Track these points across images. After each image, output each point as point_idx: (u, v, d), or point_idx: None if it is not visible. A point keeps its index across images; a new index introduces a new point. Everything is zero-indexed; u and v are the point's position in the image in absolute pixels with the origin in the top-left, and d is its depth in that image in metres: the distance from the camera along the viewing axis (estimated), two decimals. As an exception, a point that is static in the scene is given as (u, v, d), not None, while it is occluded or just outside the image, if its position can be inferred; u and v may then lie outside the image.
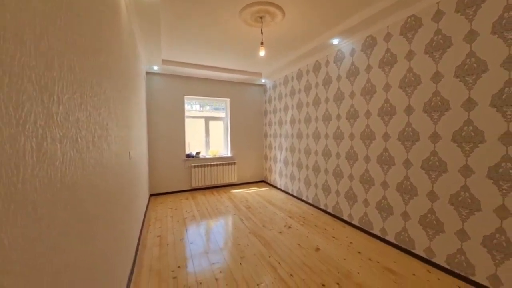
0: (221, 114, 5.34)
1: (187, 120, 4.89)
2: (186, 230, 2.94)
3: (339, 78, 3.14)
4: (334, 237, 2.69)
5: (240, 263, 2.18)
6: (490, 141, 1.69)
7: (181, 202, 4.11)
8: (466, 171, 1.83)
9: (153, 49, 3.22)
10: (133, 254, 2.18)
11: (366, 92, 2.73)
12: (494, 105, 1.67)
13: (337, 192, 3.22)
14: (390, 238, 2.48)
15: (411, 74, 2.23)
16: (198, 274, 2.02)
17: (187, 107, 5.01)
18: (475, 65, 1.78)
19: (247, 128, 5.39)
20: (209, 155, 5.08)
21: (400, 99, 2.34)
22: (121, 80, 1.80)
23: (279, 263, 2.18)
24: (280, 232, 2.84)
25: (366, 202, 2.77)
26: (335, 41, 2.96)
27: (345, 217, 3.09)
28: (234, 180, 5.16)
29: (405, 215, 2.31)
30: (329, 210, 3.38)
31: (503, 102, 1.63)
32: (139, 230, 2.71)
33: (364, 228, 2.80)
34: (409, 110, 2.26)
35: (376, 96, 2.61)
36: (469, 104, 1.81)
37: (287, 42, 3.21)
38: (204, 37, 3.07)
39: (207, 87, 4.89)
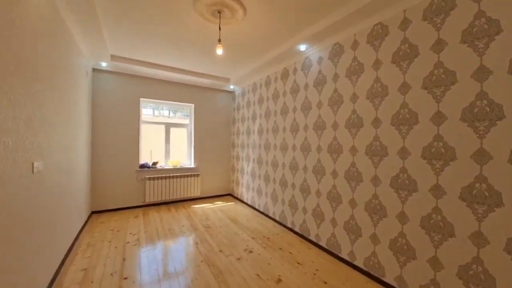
0: (186, 121, 4.87)
1: (145, 126, 4.34)
2: (124, 259, 2.39)
3: (306, 86, 2.95)
4: (299, 263, 2.38)
5: (182, 307, 1.74)
6: (462, 159, 1.55)
7: (128, 221, 3.49)
8: (437, 191, 1.67)
9: (95, 41, 2.72)
10: (33, 302, 1.61)
11: (334, 102, 2.55)
12: (465, 120, 1.53)
13: (304, 209, 2.95)
14: (359, 263, 2.23)
15: (378, 84, 2.09)
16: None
17: (155, 112, 4.47)
18: (443, 76, 1.65)
19: (214, 137, 4.99)
20: (168, 165, 4.54)
21: (367, 111, 2.18)
22: (15, 67, 1.32)
23: (231, 303, 1.78)
24: (239, 259, 2.44)
25: (333, 222, 2.52)
26: (302, 48, 2.78)
27: (312, 238, 2.81)
28: (197, 193, 4.66)
29: (374, 238, 2.09)
30: (296, 229, 3.08)
31: (475, 116, 1.49)
32: (59, 263, 2.11)
33: (331, 250, 2.54)
34: (376, 122, 2.09)
35: (343, 107, 2.43)
36: (438, 118, 1.67)
37: (252, 45, 2.95)
38: (156, 32, 2.67)
39: (168, 90, 4.42)
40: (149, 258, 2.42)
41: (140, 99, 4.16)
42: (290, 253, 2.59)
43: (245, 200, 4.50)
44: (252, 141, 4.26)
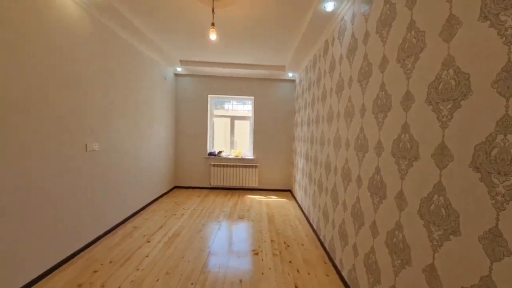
0: (249, 114, 5.06)
1: (213, 119, 4.98)
2: (161, 227, 2.93)
3: (341, 59, 2.18)
4: (296, 287, 1.88)
5: (157, 280, 1.90)
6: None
7: (190, 198, 4.19)
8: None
9: (157, 50, 3.41)
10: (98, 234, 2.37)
11: (363, 75, 1.72)
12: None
13: (333, 223, 2.26)
14: (372, 321, 1.45)
15: (412, 33, 1.18)
16: (105, 278, 1.92)
17: (223, 106, 5.07)
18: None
19: (273, 130, 4.83)
20: (231, 155, 4.94)
21: (398, 83, 1.30)
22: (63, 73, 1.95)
23: (190, 297, 1.74)
24: (238, 257, 2.29)
25: (355, 249, 1.76)
26: (330, 6, 2.06)
27: (337, 262, 2.11)
28: (254, 184, 4.77)
29: (392, 293, 1.26)
30: (326, 245, 2.44)
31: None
32: (122, 219, 2.94)
33: (349, 285, 1.81)
34: (407, 100, 1.21)
35: (372, 81, 1.59)
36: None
37: (273, 22, 2.55)
38: (178, 31, 2.92)
39: (231, 85, 4.75)
40: (175, 231, 2.81)
41: (208, 95, 4.78)
42: (298, 271, 2.10)
43: (297, 199, 4.08)
44: (303, 133, 3.75)
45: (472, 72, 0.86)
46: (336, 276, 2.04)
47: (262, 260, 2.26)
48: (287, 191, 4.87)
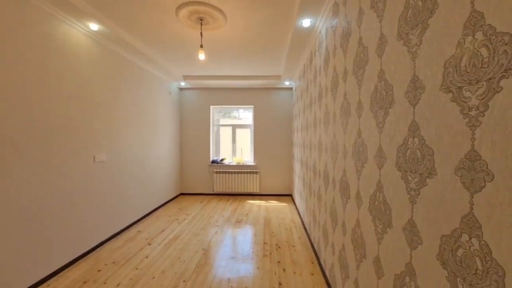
0: (250, 122, 5.26)
1: (216, 128, 5.22)
2: (162, 231, 3.13)
3: (320, 70, 2.33)
4: (280, 284, 1.99)
5: (153, 278, 2.09)
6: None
7: (194, 204, 4.40)
8: (412, 233, 0.86)
9: (161, 69, 3.73)
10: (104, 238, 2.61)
11: (334, 85, 1.87)
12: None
13: (319, 224, 2.35)
14: (344, 315, 1.53)
15: (361, 48, 1.32)
16: (107, 276, 2.13)
17: (225, 115, 5.34)
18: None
19: (273, 136, 4.99)
20: (233, 162, 5.13)
21: (354, 93, 1.43)
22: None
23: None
24: (231, 258, 2.43)
25: (333, 248, 1.86)
26: (306, 23, 2.23)
27: (322, 262, 2.20)
28: (256, 190, 4.91)
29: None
30: (315, 245, 2.52)
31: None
32: (129, 223, 3.19)
33: (330, 283, 1.89)
34: (359, 108, 1.34)
35: (339, 90, 1.73)
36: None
37: (258, 37, 2.75)
38: (180, 52, 3.20)
39: (231, 96, 4.99)
40: (175, 234, 3.00)
41: (210, 106, 5.04)
42: (284, 270, 2.21)
43: (296, 203, 4.16)
44: (298, 139, 3.88)
45: (394, 84, 0.99)
46: (320, 275, 2.12)
47: (252, 260, 2.39)
48: (288, 196, 4.96)
